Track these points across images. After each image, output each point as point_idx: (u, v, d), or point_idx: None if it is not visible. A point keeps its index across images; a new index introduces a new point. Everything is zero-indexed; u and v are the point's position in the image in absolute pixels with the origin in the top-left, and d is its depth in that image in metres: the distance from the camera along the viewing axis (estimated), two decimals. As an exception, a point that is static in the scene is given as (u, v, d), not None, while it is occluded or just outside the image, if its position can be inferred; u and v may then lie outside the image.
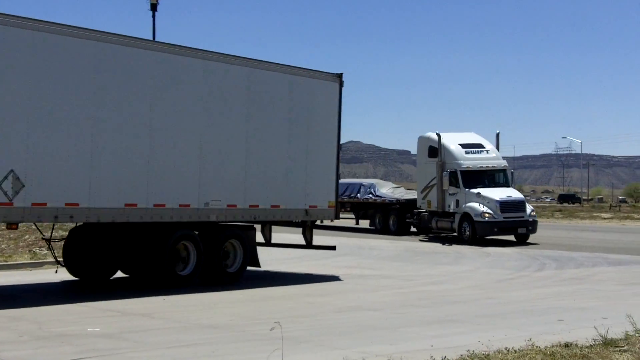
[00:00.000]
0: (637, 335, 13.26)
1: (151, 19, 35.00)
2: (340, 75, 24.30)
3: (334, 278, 23.88)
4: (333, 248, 25.96)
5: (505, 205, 37.86)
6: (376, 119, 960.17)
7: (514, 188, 40.47)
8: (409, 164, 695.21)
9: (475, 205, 37.96)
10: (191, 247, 20.92)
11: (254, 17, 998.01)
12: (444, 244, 37.90)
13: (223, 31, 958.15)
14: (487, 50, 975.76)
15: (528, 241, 38.35)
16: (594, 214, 77.41)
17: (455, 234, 39.17)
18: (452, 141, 40.20)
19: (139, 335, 13.91)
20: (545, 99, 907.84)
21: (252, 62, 22.20)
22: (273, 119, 22.69)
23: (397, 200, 44.71)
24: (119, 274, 22.13)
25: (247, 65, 21.99)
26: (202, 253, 21.03)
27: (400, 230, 43.83)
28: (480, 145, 40.60)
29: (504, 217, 37.73)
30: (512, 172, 40.93)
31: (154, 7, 34.68)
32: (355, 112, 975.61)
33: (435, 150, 40.16)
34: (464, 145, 40.01)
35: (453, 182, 38.87)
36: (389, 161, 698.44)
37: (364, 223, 47.93)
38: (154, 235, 20.34)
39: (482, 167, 39.53)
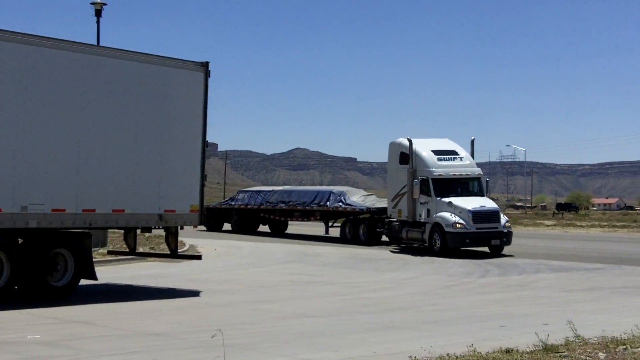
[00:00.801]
0: (577, 341, 13.39)
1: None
2: (206, 65, 21.89)
3: (281, 284, 23.81)
4: (198, 257, 24.30)
5: (478, 216, 35.66)
6: (323, 126, 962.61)
7: (489, 197, 38.21)
8: (355, 171, 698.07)
9: (446, 215, 35.73)
10: (4, 258, 18.24)
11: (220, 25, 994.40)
12: (415, 255, 35.79)
13: (178, 36, 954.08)
14: (430, 57, 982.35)
15: (503, 253, 36.18)
16: (537, 221, 78.19)
17: (427, 245, 36.64)
18: (424, 147, 37.88)
19: (79, 342, 13.77)
20: (489, 107, 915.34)
21: (88, 47, 20.05)
22: (116, 111, 20.11)
23: (368, 209, 42.49)
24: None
25: (82, 51, 19.55)
26: (17, 264, 18.40)
27: (371, 241, 41.47)
28: (453, 152, 38.28)
29: (477, 228, 35.48)
30: (487, 181, 38.48)
31: (98, 13, 34.40)
32: (302, 118, 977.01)
33: (406, 156, 37.80)
34: (436, 152, 37.73)
35: (424, 190, 36.64)
36: (335, 168, 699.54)
37: (335, 232, 45.77)
38: None
39: (455, 174, 37.26)
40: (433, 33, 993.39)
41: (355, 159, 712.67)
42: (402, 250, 38.24)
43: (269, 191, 50.96)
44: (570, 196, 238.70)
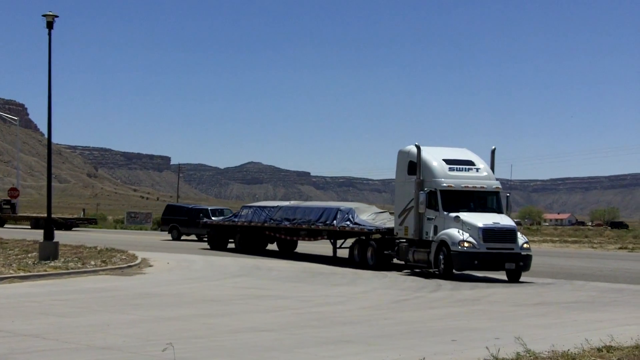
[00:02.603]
0: (527, 355, 13.48)
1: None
2: None
3: (233, 298, 23.72)
4: None
5: (490, 233, 31.19)
6: (276, 140, 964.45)
7: (508, 215, 33.44)
8: (309, 185, 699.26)
9: (453, 232, 31.39)
10: None
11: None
12: (426, 278, 31.83)
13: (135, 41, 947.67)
14: (379, 72, 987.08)
15: (522, 280, 31.68)
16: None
17: (434, 268, 32.46)
18: (435, 156, 33.77)
19: (29, 356, 13.64)
20: (441, 122, 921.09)
21: None
22: None
23: (377, 229, 36.92)
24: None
25: None
26: None
27: (380, 264, 36.11)
28: (469, 162, 34.00)
29: (488, 248, 31.00)
30: (507, 197, 33.96)
31: (50, 25, 34.15)
32: (255, 132, 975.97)
33: (415, 166, 33.77)
34: (448, 161, 33.60)
35: (432, 204, 32.56)
36: (288, 182, 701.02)
37: (343, 254, 40.21)
38: None
39: (467, 187, 32.87)
40: (379, 45, 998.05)
41: (309, 173, 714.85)
42: (415, 275, 33.63)
43: (273, 207, 46.15)
44: (521, 212, 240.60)
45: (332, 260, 40.14)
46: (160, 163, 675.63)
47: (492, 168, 34.61)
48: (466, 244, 30.82)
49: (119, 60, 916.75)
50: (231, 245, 48.72)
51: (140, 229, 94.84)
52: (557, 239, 77.43)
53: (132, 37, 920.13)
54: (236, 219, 48.21)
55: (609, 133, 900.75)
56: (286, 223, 43.09)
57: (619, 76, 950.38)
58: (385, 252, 36.11)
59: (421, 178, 33.27)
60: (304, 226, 41.66)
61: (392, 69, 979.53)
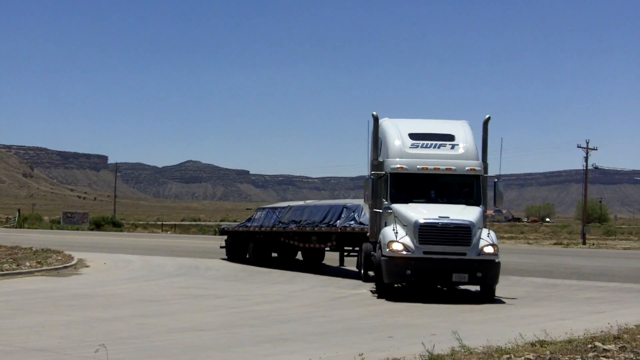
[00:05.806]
0: (462, 351, 13.56)
1: None
2: None
3: (170, 298, 23.57)
4: None
5: (430, 232, 22.93)
6: (215, 138, 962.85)
7: (499, 208, 25.88)
8: (248, 184, 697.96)
9: (387, 230, 23.70)
10: None
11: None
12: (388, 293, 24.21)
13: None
14: (318, 64, 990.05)
15: (500, 297, 24.28)
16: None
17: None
18: (400, 129, 25.60)
19: (-41, 359, 13.43)
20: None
21: None
22: None
23: None
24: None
25: None
26: None
27: (368, 274, 28.44)
28: (446, 137, 25.39)
29: (425, 253, 22.91)
30: (495, 182, 25.10)
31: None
32: (194, 130, 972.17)
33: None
34: (415, 136, 25.33)
35: (384, 192, 24.79)
36: (228, 181, 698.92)
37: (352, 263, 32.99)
38: None
39: (426, 168, 24.59)
40: (319, 42, 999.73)
41: (248, 171, 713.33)
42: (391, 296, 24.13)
43: (283, 208, 38.85)
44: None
45: (336, 272, 34.23)
46: (97, 162, 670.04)
47: (485, 144, 25.63)
48: (396, 247, 23.09)
49: (55, 57, 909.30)
50: None
51: (77, 229, 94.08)
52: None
53: (68, 34, 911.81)
54: (249, 224, 40.63)
55: (543, 130, 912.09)
56: (293, 226, 35.66)
57: (552, 74, 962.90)
58: (371, 258, 26.95)
59: (379, 159, 25.77)
60: (307, 229, 34.28)
61: (329, 67, 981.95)
